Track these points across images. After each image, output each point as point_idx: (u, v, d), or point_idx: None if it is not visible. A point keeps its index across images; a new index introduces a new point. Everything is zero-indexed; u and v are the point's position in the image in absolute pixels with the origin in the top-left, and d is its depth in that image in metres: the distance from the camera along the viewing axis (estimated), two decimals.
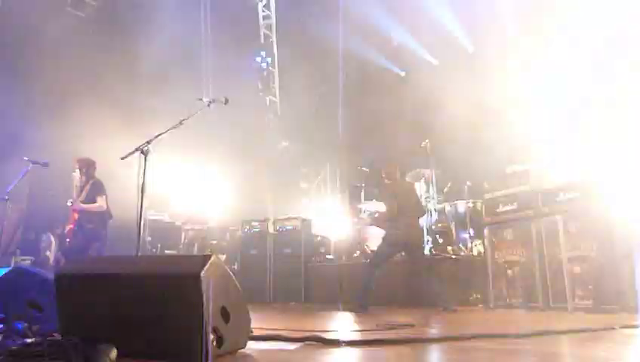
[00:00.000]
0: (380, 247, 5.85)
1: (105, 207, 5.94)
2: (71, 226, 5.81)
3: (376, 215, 6.42)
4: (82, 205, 5.81)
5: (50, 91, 8.20)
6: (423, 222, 6.84)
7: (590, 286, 4.76)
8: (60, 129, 7.76)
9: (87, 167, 6.05)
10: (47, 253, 9.32)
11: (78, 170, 6.02)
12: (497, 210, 5.79)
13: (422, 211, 6.09)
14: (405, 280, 6.56)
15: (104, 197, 5.94)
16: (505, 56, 8.12)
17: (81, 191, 5.95)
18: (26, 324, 2.98)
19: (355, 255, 7.98)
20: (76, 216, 5.82)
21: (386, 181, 6.01)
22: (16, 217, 6.16)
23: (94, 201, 5.87)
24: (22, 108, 8.22)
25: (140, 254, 3.95)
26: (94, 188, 5.92)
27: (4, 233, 5.94)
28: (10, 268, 3.33)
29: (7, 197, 5.64)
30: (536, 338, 3.15)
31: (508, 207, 5.68)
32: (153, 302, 2.24)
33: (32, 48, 7.94)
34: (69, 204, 5.79)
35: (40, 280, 3.09)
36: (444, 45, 10.14)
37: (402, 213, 5.67)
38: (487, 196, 6.03)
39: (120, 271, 2.39)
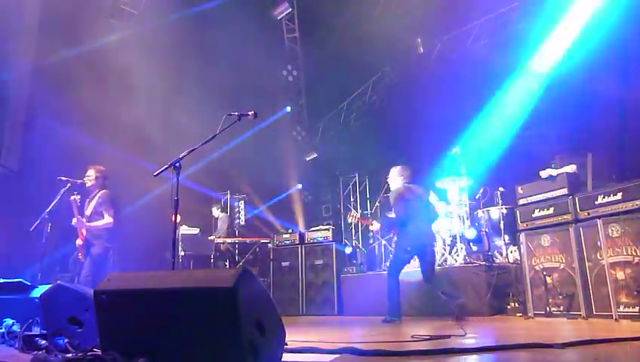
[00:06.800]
0: (394, 255, 5.78)
1: (112, 222, 5.43)
2: (80, 242, 5.51)
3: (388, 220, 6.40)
4: (86, 224, 5.43)
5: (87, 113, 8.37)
6: (436, 227, 6.68)
7: (636, 293, 4.56)
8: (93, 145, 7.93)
9: (98, 175, 5.64)
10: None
11: (88, 179, 5.62)
12: (533, 216, 5.64)
13: (433, 215, 5.99)
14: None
15: (111, 211, 5.47)
16: None
17: (89, 202, 5.55)
18: (66, 340, 3.05)
19: (387, 264, 7.91)
20: (84, 231, 5.49)
21: (392, 186, 5.93)
22: (55, 235, 6.19)
23: (102, 215, 5.48)
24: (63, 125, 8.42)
25: (174, 269, 3.98)
26: (102, 201, 5.50)
27: (45, 251, 6.01)
28: (50, 286, 3.40)
29: (47, 216, 5.81)
30: (582, 348, 3.01)
31: (544, 212, 5.53)
32: (189, 317, 2.26)
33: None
34: (73, 223, 5.36)
35: (79, 297, 3.15)
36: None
37: (413, 217, 5.59)
38: (521, 201, 5.88)
39: (155, 287, 2.41)
